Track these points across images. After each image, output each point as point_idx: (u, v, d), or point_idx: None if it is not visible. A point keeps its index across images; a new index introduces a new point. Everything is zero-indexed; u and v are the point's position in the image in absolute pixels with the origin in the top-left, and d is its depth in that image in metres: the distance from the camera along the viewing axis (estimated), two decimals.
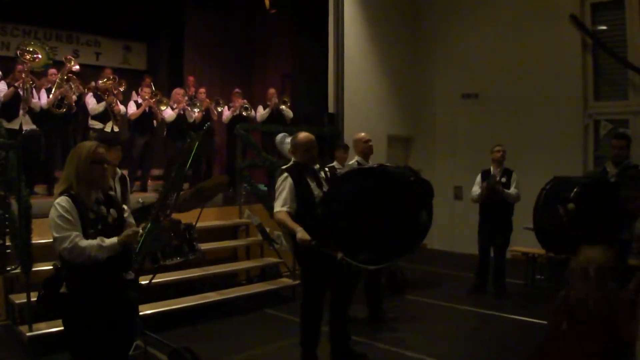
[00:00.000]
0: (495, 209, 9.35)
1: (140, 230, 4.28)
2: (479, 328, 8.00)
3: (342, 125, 12.62)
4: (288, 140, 10.04)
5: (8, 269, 3.45)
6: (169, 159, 11.85)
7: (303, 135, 6.10)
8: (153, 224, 4.51)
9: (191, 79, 13.92)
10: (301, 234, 5.53)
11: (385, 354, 6.85)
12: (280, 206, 5.81)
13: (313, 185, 5.90)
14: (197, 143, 5.05)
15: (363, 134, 8.13)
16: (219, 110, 12.86)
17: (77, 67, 11.23)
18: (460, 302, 9.04)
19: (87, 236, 4.01)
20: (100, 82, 11.50)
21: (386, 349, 6.96)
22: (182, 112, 12.06)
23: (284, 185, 5.85)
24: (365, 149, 8.01)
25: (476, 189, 9.57)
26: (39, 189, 10.39)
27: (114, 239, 4.07)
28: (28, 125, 10.26)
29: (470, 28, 13.66)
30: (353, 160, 8.15)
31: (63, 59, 11.44)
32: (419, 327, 7.80)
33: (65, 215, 3.98)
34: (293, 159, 6.13)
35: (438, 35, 14.37)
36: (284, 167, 6.16)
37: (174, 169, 4.86)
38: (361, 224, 5.57)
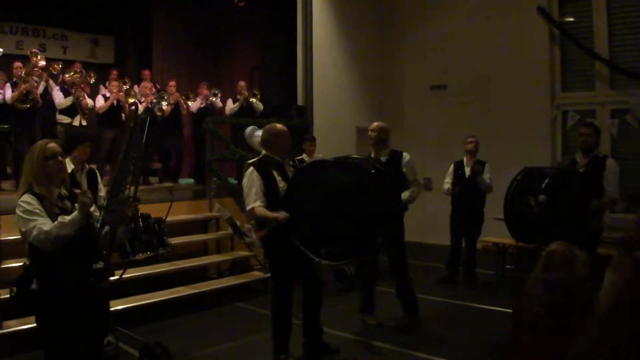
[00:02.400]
0: (467, 200, 9.43)
1: (87, 192, 4.27)
2: (449, 318, 8.06)
3: (311, 117, 12.64)
4: (257, 133, 10.03)
5: None
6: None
7: (275, 126, 6.11)
8: (111, 198, 4.50)
9: (147, 72, 13.80)
10: (280, 215, 5.56)
11: (352, 344, 6.90)
12: (253, 201, 5.79)
13: (279, 178, 5.89)
14: (147, 117, 4.99)
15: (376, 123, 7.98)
16: (190, 103, 12.79)
17: (44, 62, 11.08)
18: (431, 292, 9.04)
19: None
20: (67, 75, 11.34)
21: (354, 340, 7.04)
22: (149, 106, 11.95)
23: (251, 181, 5.84)
24: (369, 138, 7.91)
25: (448, 180, 9.62)
26: (6, 185, 10.29)
27: (74, 213, 4.07)
28: None
29: (439, 19, 13.69)
30: None
31: (28, 53, 11.26)
32: (390, 318, 7.75)
33: (29, 208, 4.01)
34: (263, 151, 6.11)
35: (407, 26, 14.42)
36: (250, 161, 6.17)
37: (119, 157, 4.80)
38: (323, 218, 5.58)
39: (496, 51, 12.67)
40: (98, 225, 4.43)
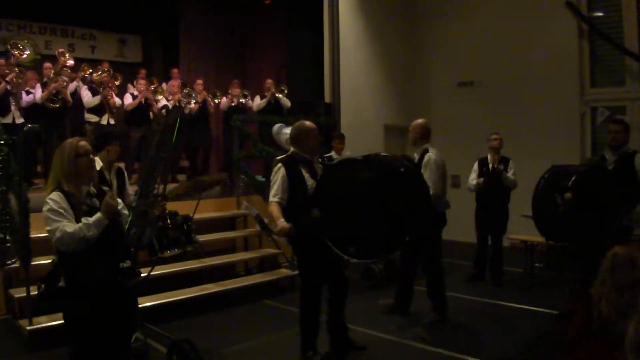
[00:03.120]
0: (492, 197, 9.39)
1: (113, 195, 4.28)
2: (478, 316, 7.99)
3: (338, 114, 12.60)
4: (285, 130, 10.02)
5: (8, 262, 3.46)
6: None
7: (304, 124, 6.07)
8: (139, 199, 4.51)
9: (175, 71, 13.88)
10: (280, 223, 5.54)
11: (385, 343, 6.86)
12: (272, 196, 5.81)
13: (307, 176, 5.86)
14: (178, 120, 5.00)
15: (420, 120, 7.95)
16: (216, 101, 12.83)
17: (72, 61, 11.19)
18: (458, 290, 9.00)
19: None
20: (95, 75, 11.44)
21: (386, 338, 6.98)
22: (177, 104, 12.04)
23: (277, 177, 5.84)
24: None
25: (473, 177, 9.57)
26: (37, 183, 10.38)
27: (98, 214, 4.06)
28: (20, 120, 10.26)
29: (466, 15, 13.66)
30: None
31: (56, 53, 11.39)
32: (418, 316, 7.76)
33: (56, 207, 4.00)
34: (292, 148, 6.09)
35: (434, 23, 14.37)
36: (278, 157, 6.17)
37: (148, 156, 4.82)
38: (352, 215, 5.52)
39: (524, 47, 12.58)
40: (126, 226, 4.45)
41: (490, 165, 9.40)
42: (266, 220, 9.42)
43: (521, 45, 12.62)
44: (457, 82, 13.90)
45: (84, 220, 3.99)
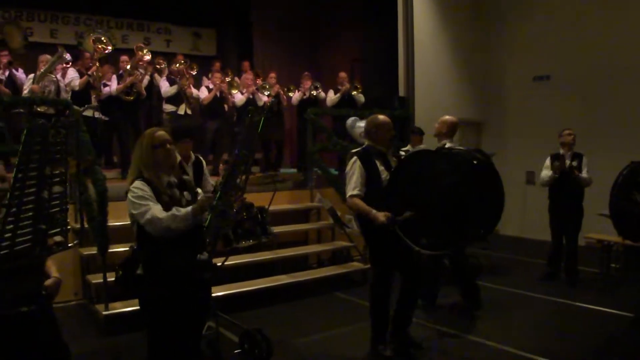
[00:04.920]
0: (565, 194, 9.12)
1: (210, 197, 4.30)
2: (551, 317, 7.81)
3: (412, 108, 12.50)
4: (359, 124, 10.00)
5: (70, 245, 3.54)
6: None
7: (377, 117, 6.06)
8: (219, 199, 4.52)
9: (247, 64, 13.97)
10: (376, 215, 5.53)
11: (457, 341, 6.76)
12: (351, 190, 5.82)
13: (381, 168, 5.85)
14: (262, 118, 5.00)
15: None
16: (290, 95, 12.86)
17: (149, 57, 11.37)
18: (532, 289, 8.83)
19: None
20: (173, 65, 11.70)
21: (458, 336, 6.88)
22: (251, 97, 12.12)
23: (354, 170, 5.86)
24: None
25: (546, 173, 9.34)
26: (112, 173, 10.55)
27: (188, 208, 4.10)
28: (98, 112, 10.51)
29: (542, 7, 13.32)
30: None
31: (134, 47, 11.61)
32: (491, 315, 7.66)
33: (141, 194, 4.05)
34: (366, 141, 6.09)
35: (508, 16, 14.08)
36: (353, 150, 6.15)
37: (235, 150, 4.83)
38: (424, 208, 5.49)
39: (602, 40, 12.15)
40: (206, 223, 4.48)
41: (557, 163, 9.14)
42: (339, 213, 9.41)
43: (599, 38, 12.20)
44: (533, 76, 13.58)
45: (174, 210, 4.03)
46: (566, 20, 12.80)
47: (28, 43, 11.80)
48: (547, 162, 9.36)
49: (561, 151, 9.26)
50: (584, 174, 8.99)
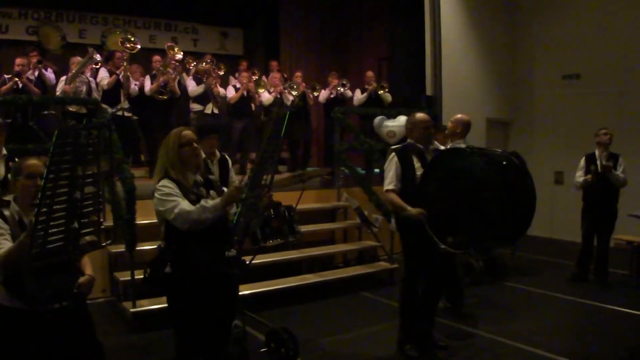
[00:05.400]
0: (600, 195, 9.03)
1: (239, 187, 4.33)
2: (579, 319, 7.78)
3: (440, 108, 12.48)
4: (386, 123, 10.01)
5: (103, 244, 3.58)
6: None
7: (414, 115, 6.14)
8: (247, 192, 4.55)
9: (274, 63, 14.00)
10: (410, 211, 5.61)
11: (486, 341, 6.73)
12: (387, 185, 5.93)
13: (417, 165, 5.90)
14: (288, 114, 5.02)
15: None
16: (315, 94, 12.87)
17: (180, 55, 11.45)
18: (560, 290, 8.78)
19: None
20: (200, 65, 11.77)
21: (487, 337, 6.84)
22: (279, 96, 12.15)
23: (391, 165, 5.96)
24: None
25: (580, 174, 9.26)
26: (140, 172, 10.63)
27: (217, 199, 4.15)
28: (128, 111, 10.67)
29: (572, 4, 13.16)
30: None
31: (165, 47, 11.72)
32: (519, 316, 7.66)
33: (168, 191, 4.10)
34: (409, 139, 6.16)
35: (537, 13, 13.94)
36: (393, 147, 6.25)
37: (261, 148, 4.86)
38: (453, 206, 5.54)
39: (633, 38, 12.00)
40: (234, 218, 4.50)
41: (599, 162, 9.06)
42: (366, 213, 9.40)
43: (631, 35, 12.05)
44: (562, 74, 13.44)
45: (202, 202, 4.07)
46: (596, 18, 12.64)
47: (66, 43, 12.00)
48: (582, 162, 9.27)
49: (596, 151, 9.17)
50: (619, 173, 8.91)
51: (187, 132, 4.34)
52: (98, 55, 10.66)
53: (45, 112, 9.47)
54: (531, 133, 14.06)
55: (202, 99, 11.43)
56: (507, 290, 8.85)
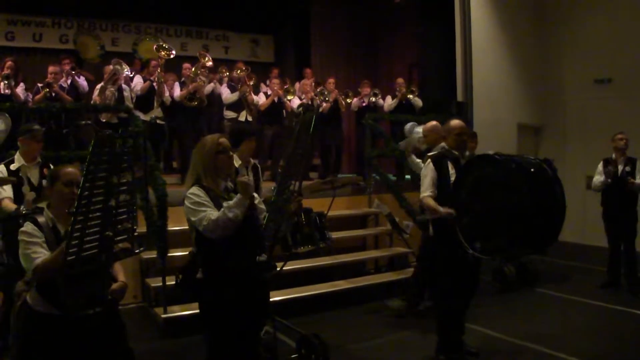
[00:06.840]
0: (618, 199, 8.97)
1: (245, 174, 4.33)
2: (609, 325, 7.70)
3: (471, 113, 12.43)
4: (417, 129, 9.97)
5: (136, 251, 3.62)
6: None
7: (449, 122, 6.20)
8: (276, 195, 4.57)
9: (309, 71, 14.04)
10: (444, 210, 5.69)
11: (515, 347, 6.70)
12: (424, 191, 6.00)
13: (452, 171, 5.96)
14: (313, 115, 5.04)
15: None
16: (348, 101, 12.88)
17: (211, 63, 11.54)
18: (592, 296, 8.72)
19: None
20: (234, 73, 11.88)
21: (516, 343, 6.81)
22: (310, 103, 12.18)
23: (427, 171, 6.03)
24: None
25: (598, 178, 9.21)
26: (172, 179, 10.71)
27: (237, 195, 4.12)
28: (161, 119, 10.75)
29: (602, 9, 13.06)
30: None
31: (198, 54, 11.81)
32: (551, 321, 7.62)
33: (198, 200, 4.11)
34: (444, 144, 6.22)
35: (567, 18, 13.84)
36: (430, 153, 6.33)
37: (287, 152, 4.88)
38: (483, 212, 5.54)
39: None
40: (264, 222, 4.53)
41: (616, 169, 9.01)
42: (397, 219, 9.39)
43: None
44: (594, 79, 13.33)
45: (224, 204, 4.08)
46: (628, 22, 12.51)
47: (104, 52, 12.13)
48: (600, 167, 9.23)
49: (614, 156, 9.13)
50: (638, 180, 8.85)
51: (224, 140, 4.36)
52: (125, 66, 10.72)
53: (82, 121, 9.56)
54: (562, 138, 13.96)
55: (236, 106, 11.54)
56: (538, 296, 8.80)
